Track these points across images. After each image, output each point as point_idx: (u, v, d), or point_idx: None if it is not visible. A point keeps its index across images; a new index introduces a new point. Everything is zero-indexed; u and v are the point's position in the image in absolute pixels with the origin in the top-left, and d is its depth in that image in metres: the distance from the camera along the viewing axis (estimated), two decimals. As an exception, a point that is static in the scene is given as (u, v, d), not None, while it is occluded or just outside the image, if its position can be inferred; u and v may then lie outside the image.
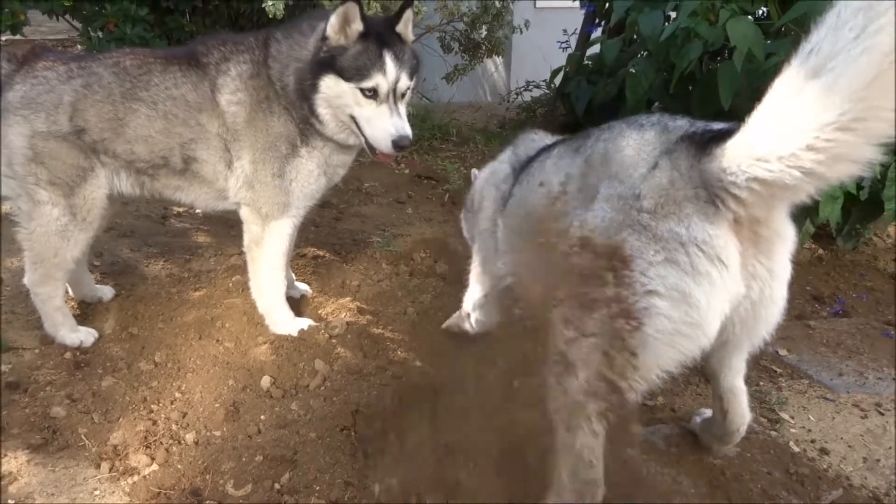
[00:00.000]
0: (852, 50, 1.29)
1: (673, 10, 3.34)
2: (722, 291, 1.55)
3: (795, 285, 2.22)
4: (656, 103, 3.64)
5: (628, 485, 1.92)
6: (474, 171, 3.16)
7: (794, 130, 1.38)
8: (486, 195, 2.52)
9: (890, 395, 2.60)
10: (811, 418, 2.46)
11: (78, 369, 2.48)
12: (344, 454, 2.06)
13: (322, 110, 2.41)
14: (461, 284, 3.47)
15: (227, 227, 3.81)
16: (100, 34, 5.21)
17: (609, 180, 1.67)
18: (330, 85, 2.37)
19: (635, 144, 1.67)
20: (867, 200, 3.44)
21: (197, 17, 6.11)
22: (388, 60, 2.35)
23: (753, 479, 2.08)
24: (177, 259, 3.43)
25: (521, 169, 2.29)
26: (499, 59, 6.56)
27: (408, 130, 2.39)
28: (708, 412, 2.25)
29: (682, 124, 1.68)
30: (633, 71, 3.51)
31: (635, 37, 3.94)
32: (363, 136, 2.43)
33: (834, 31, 1.32)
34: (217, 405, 2.26)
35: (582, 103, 4.71)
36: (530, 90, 6.32)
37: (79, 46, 5.82)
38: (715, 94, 3.12)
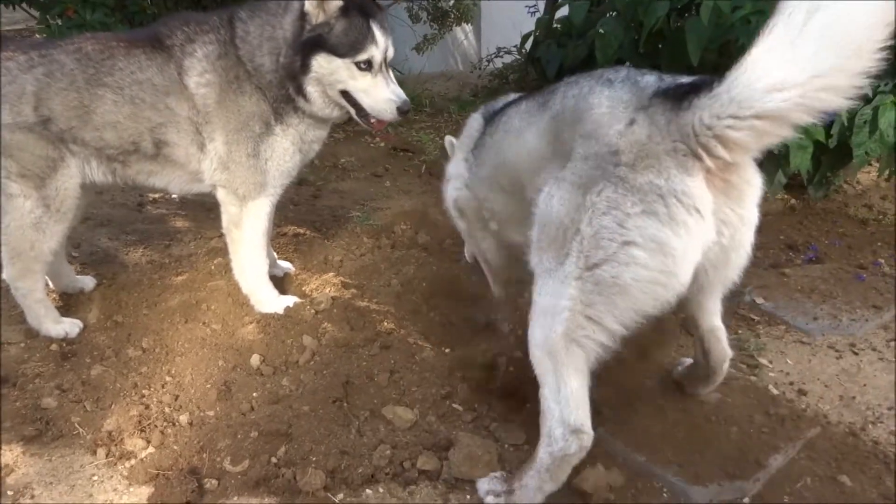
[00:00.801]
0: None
1: (638, -32, 3.34)
2: (697, 240, 1.61)
3: (769, 234, 2.30)
4: (626, 62, 3.66)
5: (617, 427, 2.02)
6: (448, 138, 3.18)
7: (806, 58, 1.41)
8: (461, 147, 2.59)
9: (863, 335, 2.69)
10: (789, 362, 2.54)
11: (65, 360, 2.49)
12: (337, 425, 2.09)
13: (311, 88, 2.41)
14: (442, 254, 3.53)
15: (204, 210, 3.79)
16: (59, 21, 5.09)
17: (584, 140, 1.72)
18: (322, 64, 2.37)
19: (608, 103, 1.70)
20: (836, 148, 3.51)
21: (158, 1, 5.99)
22: (377, 31, 2.37)
23: (734, 422, 2.15)
24: (156, 245, 3.42)
25: (492, 118, 2.39)
26: (468, 27, 6.52)
27: (405, 95, 2.45)
28: (688, 360, 2.33)
29: (651, 80, 1.71)
30: (602, 31, 3.52)
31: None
32: (358, 107, 2.45)
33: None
34: (209, 386, 2.28)
35: (553, 66, 4.70)
36: (501, 57, 6.30)
37: (38, 35, 5.70)
38: (684, 50, 3.14)
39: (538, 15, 5.73)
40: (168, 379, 2.35)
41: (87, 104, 2.37)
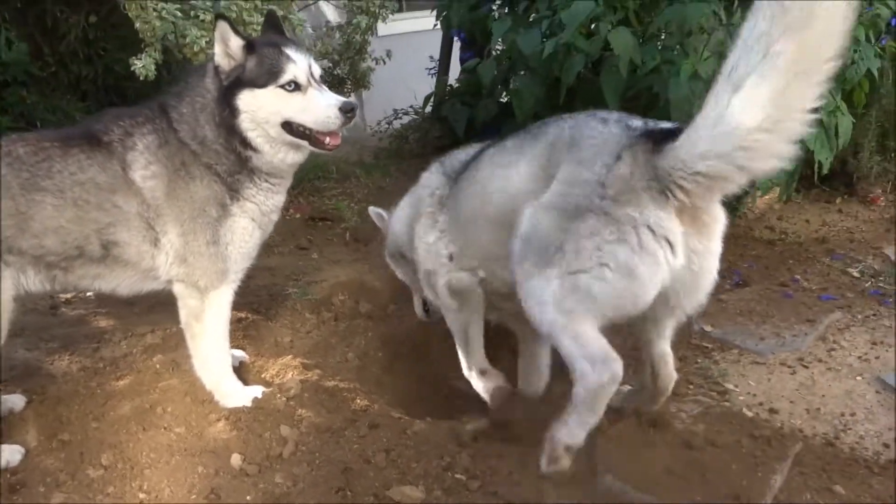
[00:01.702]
0: (761, 67, 1.61)
1: (546, 28, 3.53)
2: (663, 267, 1.86)
3: None
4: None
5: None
6: (373, 209, 3.18)
7: (727, 133, 1.68)
8: (422, 210, 2.62)
9: (807, 349, 2.89)
10: (751, 383, 2.69)
11: (14, 492, 2.22)
12: (347, 516, 1.99)
13: (252, 133, 2.33)
14: (388, 320, 3.49)
15: (127, 306, 3.56)
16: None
17: (576, 165, 1.95)
18: (247, 100, 2.31)
19: (602, 137, 1.95)
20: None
21: (34, 87, 5.68)
22: (291, 52, 2.34)
23: (726, 450, 2.23)
24: (83, 350, 3.15)
25: (463, 169, 2.50)
26: (363, 91, 6.59)
27: (343, 97, 2.39)
28: (626, 387, 2.45)
29: (639, 123, 1.97)
30: (518, 88, 3.67)
31: (508, 57, 4.12)
32: (305, 135, 2.37)
33: (745, 53, 1.63)
34: (193, 496, 2.10)
35: (461, 125, 4.84)
36: (400, 118, 6.40)
37: None
38: (600, 99, 3.33)
39: (434, 76, 5.92)
40: (143, 496, 2.15)
41: (23, 211, 2.19)
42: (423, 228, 2.59)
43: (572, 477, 2.13)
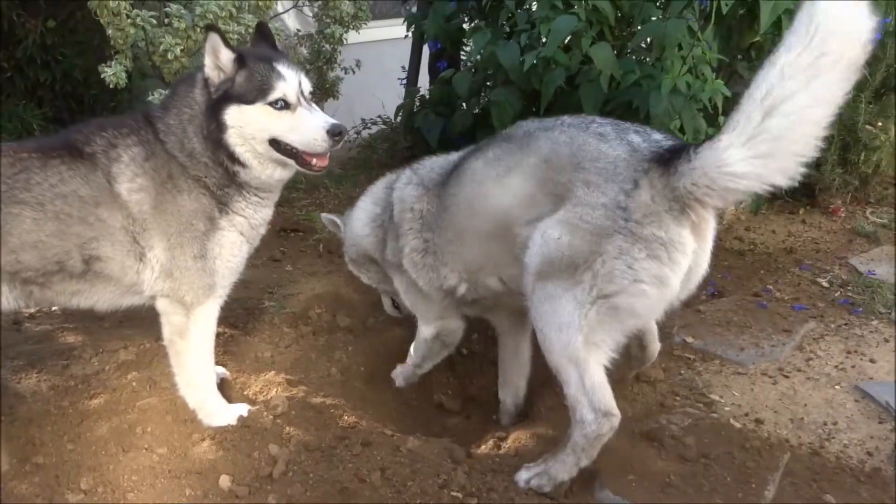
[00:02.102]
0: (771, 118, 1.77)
1: (525, 41, 3.54)
2: (684, 271, 2.04)
3: None
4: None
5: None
6: (325, 216, 3.14)
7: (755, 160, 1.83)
8: (402, 224, 2.63)
9: (786, 359, 2.95)
10: (735, 394, 2.73)
11: (-13, 521, 2.12)
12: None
13: (239, 149, 2.27)
14: (368, 334, 3.45)
15: (95, 320, 3.43)
16: None
17: (588, 187, 2.03)
18: (235, 115, 2.24)
19: (609, 159, 2.03)
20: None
21: (-12, 92, 5.48)
22: (281, 68, 2.27)
23: (719, 462, 2.25)
24: (52, 368, 3.02)
25: (443, 182, 2.52)
26: (332, 101, 6.53)
27: (333, 119, 2.31)
28: None
29: (638, 139, 2.07)
30: (496, 100, 3.67)
31: (485, 68, 4.12)
32: (293, 154, 2.30)
33: (780, 80, 1.76)
34: (183, 521, 2.03)
35: (434, 135, 4.82)
36: (369, 128, 6.36)
37: None
38: (578, 112, 3.35)
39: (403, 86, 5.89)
40: (128, 522, 2.07)
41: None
42: (411, 251, 2.60)
43: (570, 492, 2.14)
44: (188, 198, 2.27)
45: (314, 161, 2.34)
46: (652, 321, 2.28)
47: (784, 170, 1.81)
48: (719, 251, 4.13)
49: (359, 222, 2.91)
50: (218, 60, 2.23)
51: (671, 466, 2.21)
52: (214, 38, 2.20)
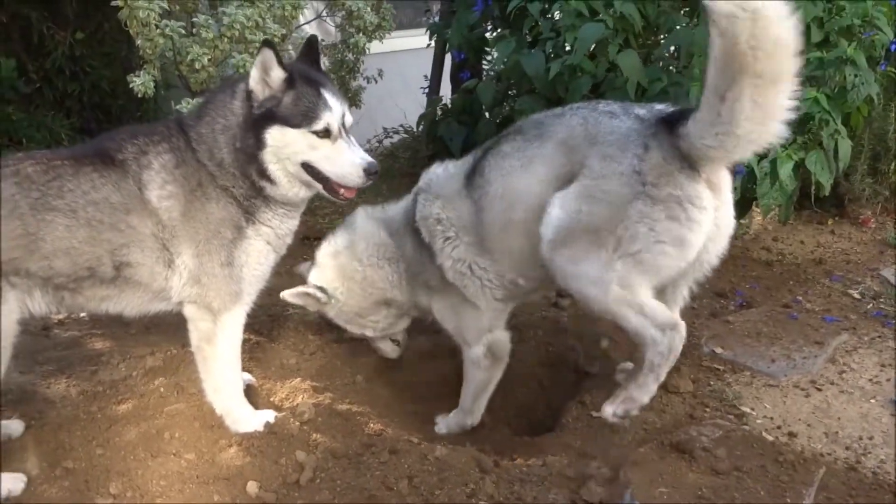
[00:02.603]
0: None
1: (550, 49, 3.54)
2: (706, 229, 2.15)
3: (699, 287, 2.55)
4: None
5: None
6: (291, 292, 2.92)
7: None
8: (436, 239, 2.62)
9: (818, 371, 2.89)
10: (767, 406, 2.68)
11: (17, 524, 2.13)
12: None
13: (272, 166, 2.28)
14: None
15: (122, 326, 3.46)
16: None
17: (603, 159, 2.17)
18: (276, 136, 2.25)
19: (621, 131, 2.18)
20: (738, 200, 3.83)
21: (19, 104, 5.57)
22: (328, 97, 2.28)
23: (751, 476, 2.21)
24: (80, 373, 3.05)
25: (462, 187, 2.56)
26: (354, 110, 6.58)
27: (370, 157, 2.35)
28: (629, 364, 2.78)
29: (643, 111, 2.23)
30: (521, 109, 3.67)
31: (508, 77, 4.12)
32: (323, 180, 2.33)
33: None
34: (211, 527, 2.03)
35: (457, 143, 4.83)
36: (391, 137, 6.39)
37: None
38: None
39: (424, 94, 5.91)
40: (156, 528, 2.07)
41: (32, 232, 2.12)
42: (454, 261, 2.60)
43: (599, 504, 2.11)
44: (216, 206, 2.28)
45: (342, 191, 2.37)
46: (674, 276, 2.28)
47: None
48: (747, 261, 4.11)
49: (368, 269, 2.81)
50: (268, 77, 2.23)
51: (703, 479, 2.17)
52: (268, 55, 2.20)
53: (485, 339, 2.68)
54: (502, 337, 2.71)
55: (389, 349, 3.04)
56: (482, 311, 2.64)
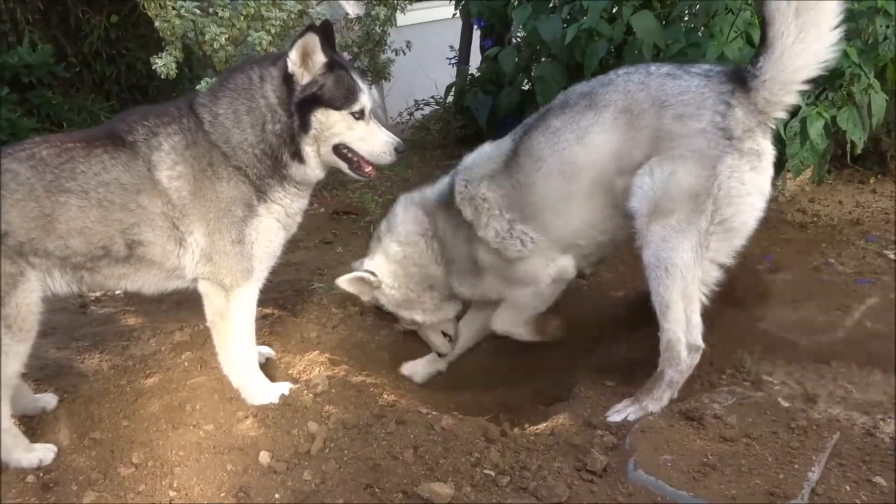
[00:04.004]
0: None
1: (567, 14, 3.46)
2: (770, 178, 2.28)
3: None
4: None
5: None
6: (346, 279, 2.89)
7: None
8: (480, 216, 2.65)
9: (842, 337, 2.80)
10: (787, 372, 2.61)
11: (48, 491, 2.25)
12: (376, 513, 1.98)
13: (308, 148, 2.39)
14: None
15: (154, 303, 3.59)
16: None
17: (679, 120, 2.22)
18: (321, 119, 2.35)
19: (693, 90, 2.24)
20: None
21: (58, 87, 5.75)
22: (357, 79, 2.40)
23: (762, 443, 2.17)
24: (113, 348, 3.19)
25: (505, 166, 2.58)
26: (384, 83, 6.57)
27: (397, 138, 2.49)
28: None
29: (703, 68, 2.31)
30: (540, 76, 3.61)
31: (529, 44, 4.05)
32: (349, 160, 2.46)
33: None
34: (223, 494, 2.11)
35: (483, 114, 4.80)
36: (421, 109, 6.37)
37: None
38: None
39: (453, 65, 5.87)
40: (173, 494, 2.16)
41: (48, 213, 2.21)
42: (496, 234, 2.63)
43: (604, 472, 2.11)
44: (227, 185, 2.34)
45: (367, 169, 2.48)
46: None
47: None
48: (779, 223, 3.98)
49: (407, 247, 2.85)
50: (311, 62, 2.30)
51: (710, 446, 2.15)
52: (313, 40, 2.27)
53: (551, 268, 2.66)
54: (566, 262, 2.66)
55: (440, 342, 3.03)
56: (531, 258, 2.65)
